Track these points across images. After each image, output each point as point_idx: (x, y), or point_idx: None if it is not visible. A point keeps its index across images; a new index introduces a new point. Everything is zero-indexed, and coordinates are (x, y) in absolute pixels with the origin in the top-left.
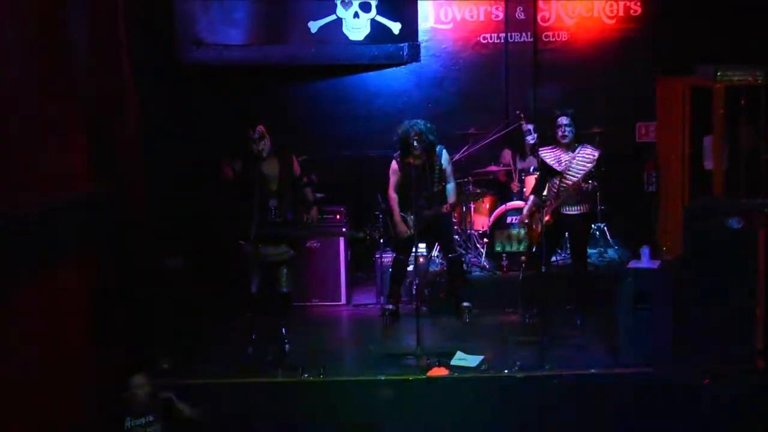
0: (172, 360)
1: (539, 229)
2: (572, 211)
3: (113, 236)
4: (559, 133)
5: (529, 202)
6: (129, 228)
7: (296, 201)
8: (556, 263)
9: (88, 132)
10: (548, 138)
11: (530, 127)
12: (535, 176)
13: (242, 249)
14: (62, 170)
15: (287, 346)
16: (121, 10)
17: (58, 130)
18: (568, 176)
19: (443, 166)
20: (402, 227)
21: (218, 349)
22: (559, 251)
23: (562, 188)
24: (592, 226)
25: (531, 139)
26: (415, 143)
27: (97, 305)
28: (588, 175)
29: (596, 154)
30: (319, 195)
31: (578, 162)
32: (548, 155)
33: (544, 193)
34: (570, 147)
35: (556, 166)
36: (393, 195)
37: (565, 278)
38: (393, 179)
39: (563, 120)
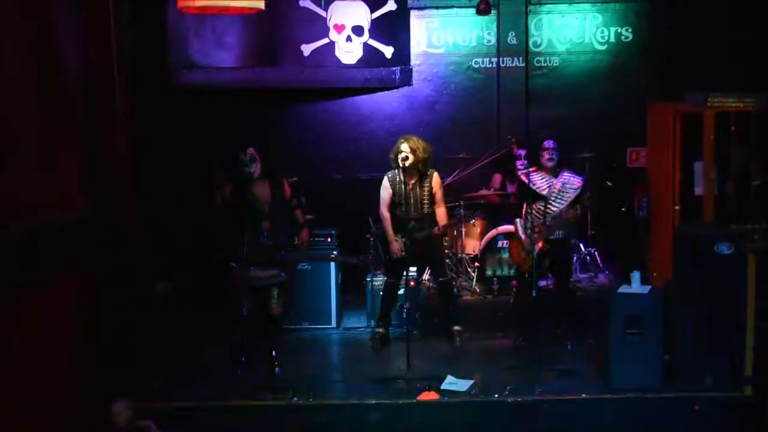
0: (161, 382)
1: (529, 255)
2: (554, 236)
3: (105, 257)
4: (546, 156)
5: (520, 227)
6: (121, 249)
7: (288, 224)
8: (546, 287)
9: (81, 153)
10: (531, 162)
11: (522, 152)
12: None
13: (233, 271)
14: (54, 191)
15: (277, 369)
16: (113, 32)
17: (50, 150)
18: (552, 202)
19: (434, 189)
20: (395, 246)
21: (208, 371)
22: (550, 276)
23: (548, 214)
24: (582, 248)
25: (520, 164)
26: (400, 155)
27: (87, 326)
28: (575, 203)
29: (579, 181)
30: (309, 216)
31: (562, 188)
32: (532, 179)
33: (524, 220)
34: (553, 172)
35: (540, 191)
36: (385, 214)
37: (553, 303)
38: (385, 197)
39: (550, 143)
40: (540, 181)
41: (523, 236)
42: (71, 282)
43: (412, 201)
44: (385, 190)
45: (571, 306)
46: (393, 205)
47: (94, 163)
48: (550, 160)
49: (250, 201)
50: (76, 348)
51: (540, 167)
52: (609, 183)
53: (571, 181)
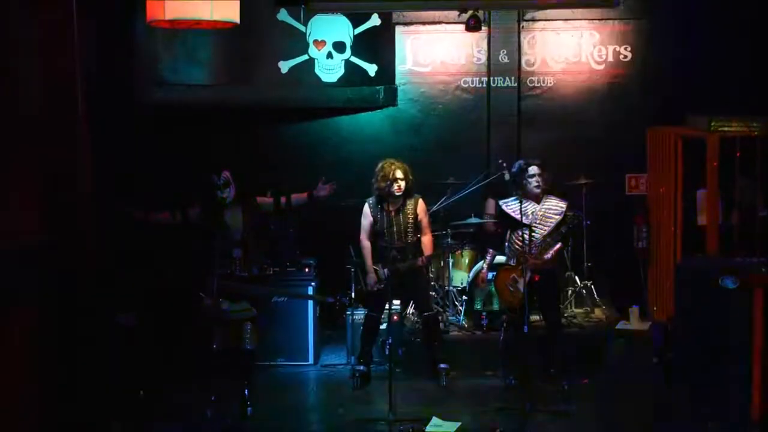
0: (125, 424)
1: (520, 289)
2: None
3: (61, 290)
4: (533, 183)
5: (490, 258)
6: (79, 281)
7: (261, 253)
8: (538, 323)
9: (39, 177)
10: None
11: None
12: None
13: (203, 303)
14: (9, 217)
15: (249, 408)
16: (76, 48)
17: (6, 174)
18: (536, 229)
19: (419, 216)
20: (373, 277)
21: (175, 412)
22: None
23: (533, 241)
24: (578, 281)
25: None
26: (396, 184)
27: (42, 365)
28: (558, 227)
29: (563, 205)
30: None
31: (545, 213)
32: (512, 207)
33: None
34: (537, 198)
35: (524, 219)
36: (366, 243)
37: (540, 339)
38: (365, 225)
39: (535, 169)
40: (519, 210)
41: (484, 269)
42: (23, 318)
43: (395, 229)
44: (366, 218)
45: (553, 346)
46: (374, 234)
47: (53, 188)
48: (537, 186)
49: (221, 228)
50: (32, 387)
51: (524, 194)
52: None
53: (554, 206)
